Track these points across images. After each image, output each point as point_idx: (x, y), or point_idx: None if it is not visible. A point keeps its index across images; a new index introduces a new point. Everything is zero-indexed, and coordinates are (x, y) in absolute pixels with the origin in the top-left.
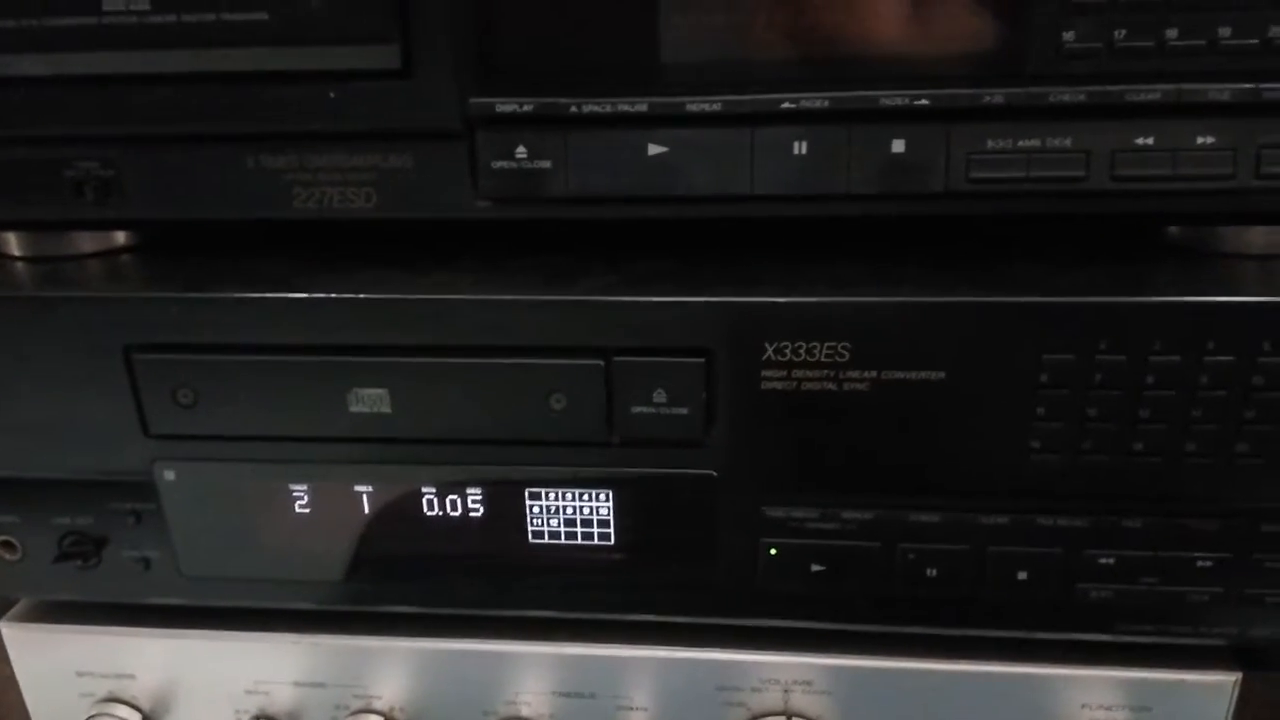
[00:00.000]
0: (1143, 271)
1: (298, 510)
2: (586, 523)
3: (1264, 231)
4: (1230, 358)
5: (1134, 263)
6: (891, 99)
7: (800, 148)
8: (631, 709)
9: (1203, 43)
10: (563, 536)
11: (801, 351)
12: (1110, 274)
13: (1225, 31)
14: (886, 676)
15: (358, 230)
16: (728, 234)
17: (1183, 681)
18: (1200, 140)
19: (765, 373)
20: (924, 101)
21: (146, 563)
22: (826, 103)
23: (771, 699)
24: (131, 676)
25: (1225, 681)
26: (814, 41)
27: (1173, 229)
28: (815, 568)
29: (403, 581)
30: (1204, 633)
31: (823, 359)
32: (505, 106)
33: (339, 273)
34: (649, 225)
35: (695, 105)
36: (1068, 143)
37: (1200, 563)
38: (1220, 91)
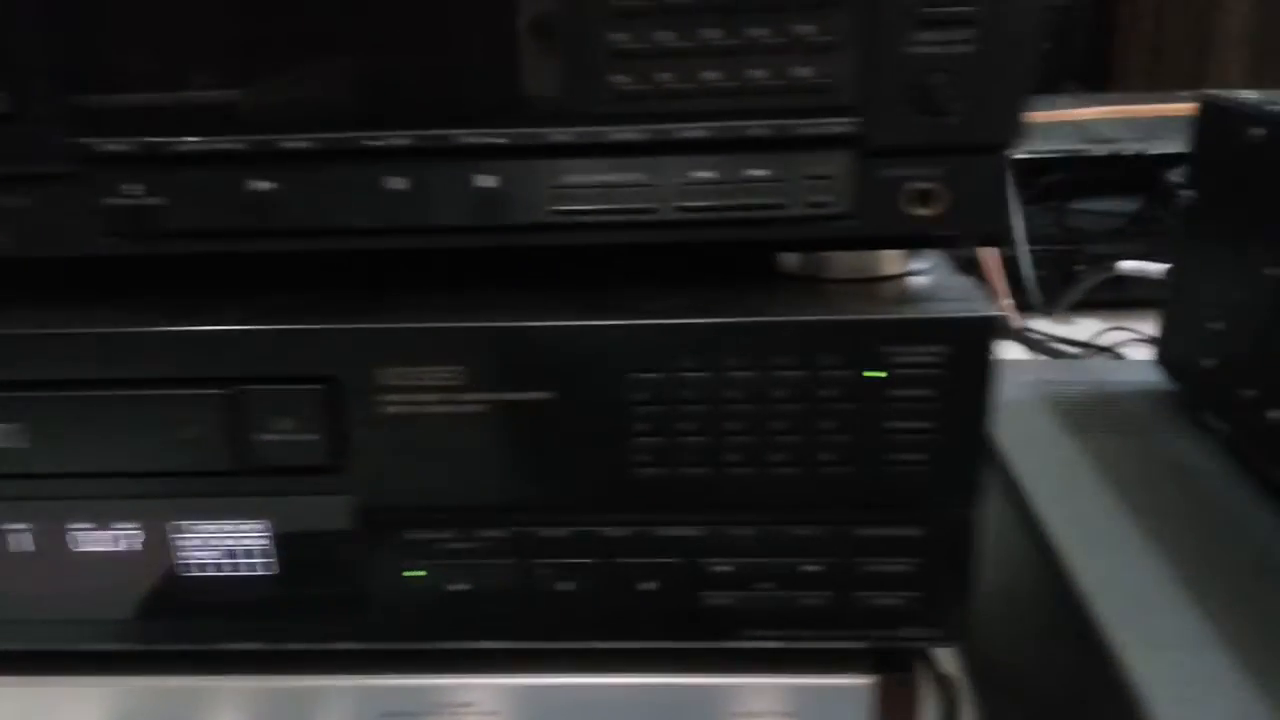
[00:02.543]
0: (732, 295)
1: None
2: (233, 553)
3: (854, 256)
4: (801, 372)
5: (731, 287)
6: (470, 137)
7: (395, 183)
8: None
9: (737, 84)
10: (213, 568)
11: (417, 376)
12: (704, 298)
13: (760, 73)
14: (546, 693)
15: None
16: (381, 263)
17: (823, 686)
18: (752, 173)
19: (387, 397)
20: (502, 140)
21: None
22: (410, 140)
23: None
24: None
25: (863, 685)
26: (400, 83)
27: (783, 256)
28: (457, 587)
29: (68, 621)
30: (826, 636)
31: (438, 383)
32: (112, 146)
33: None
34: (293, 256)
35: (290, 143)
36: (637, 177)
37: (808, 567)
38: (761, 128)
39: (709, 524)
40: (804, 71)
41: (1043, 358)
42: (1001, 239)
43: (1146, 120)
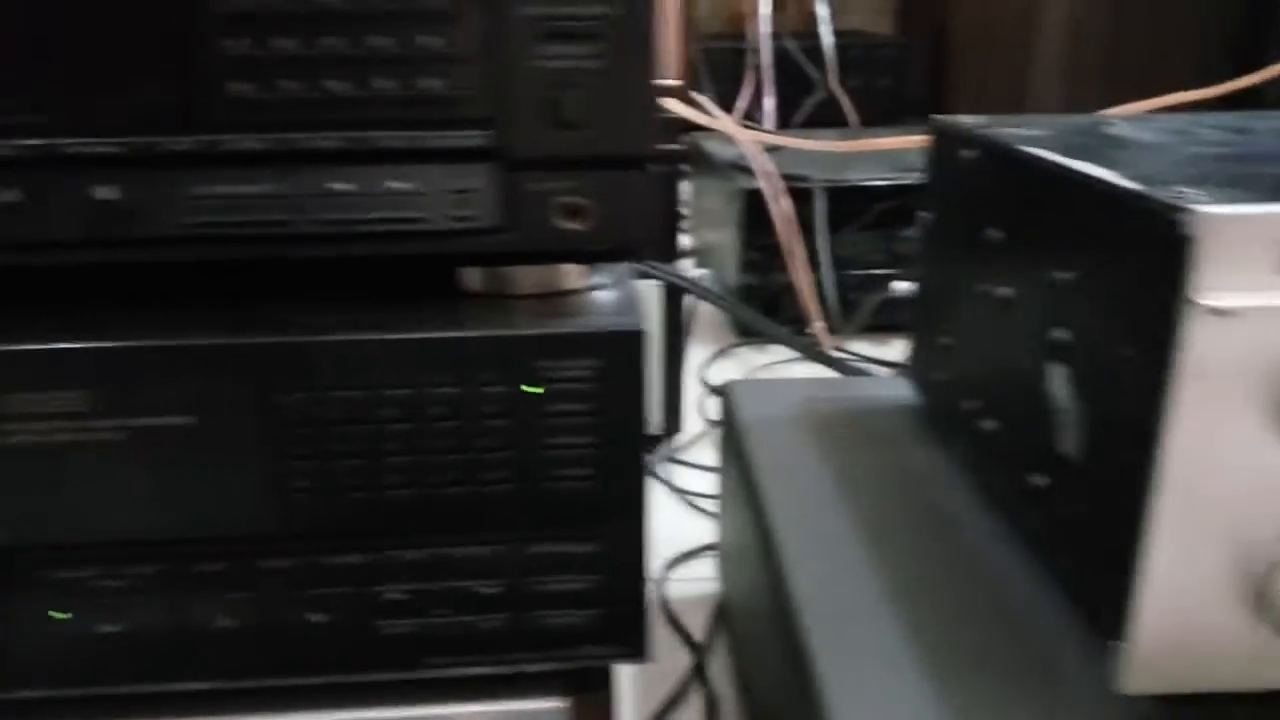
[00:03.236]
0: (392, 311)
1: None
2: None
3: (536, 272)
4: (457, 389)
5: (397, 304)
6: (82, 147)
7: (6, 195)
8: None
9: (366, 94)
10: None
11: (41, 403)
12: (361, 315)
13: (388, 84)
14: None
15: None
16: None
17: (515, 711)
18: (392, 185)
19: (8, 426)
20: (117, 149)
21: None
22: (13, 151)
23: None
24: None
25: (556, 708)
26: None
27: (465, 273)
28: (107, 629)
29: None
30: (508, 660)
31: (64, 409)
32: None
33: None
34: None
35: None
36: (268, 189)
37: (483, 590)
38: (394, 139)
39: (377, 550)
40: (433, 83)
41: (836, 376)
42: (662, 254)
43: None
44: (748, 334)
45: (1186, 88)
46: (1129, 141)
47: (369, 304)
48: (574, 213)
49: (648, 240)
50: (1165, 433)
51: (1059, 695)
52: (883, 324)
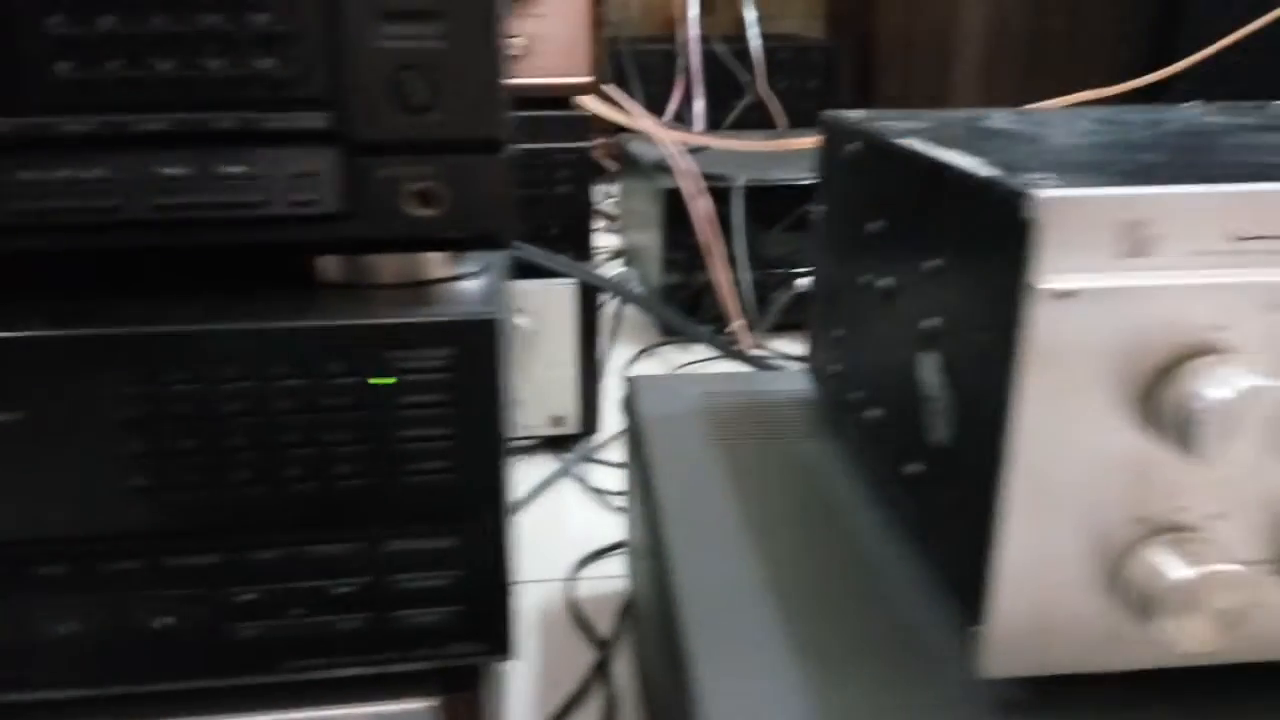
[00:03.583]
0: (235, 302)
1: None
2: None
3: (399, 260)
4: (304, 381)
5: (245, 295)
6: None
7: None
8: None
9: (197, 75)
10: None
11: None
12: (200, 305)
13: (219, 64)
14: None
15: None
16: None
17: (381, 714)
18: (228, 169)
19: None
20: None
21: None
22: None
23: None
24: None
25: (424, 708)
26: None
27: (322, 262)
28: None
29: None
30: (370, 661)
31: None
32: None
33: None
34: None
35: None
36: (98, 173)
37: (341, 589)
38: (227, 120)
39: (228, 550)
40: (267, 64)
41: (746, 371)
42: (506, 242)
43: None
44: (671, 333)
45: (1102, 85)
46: (1003, 133)
47: (217, 294)
48: (424, 198)
49: (503, 227)
50: (1014, 417)
51: (926, 681)
52: (799, 322)
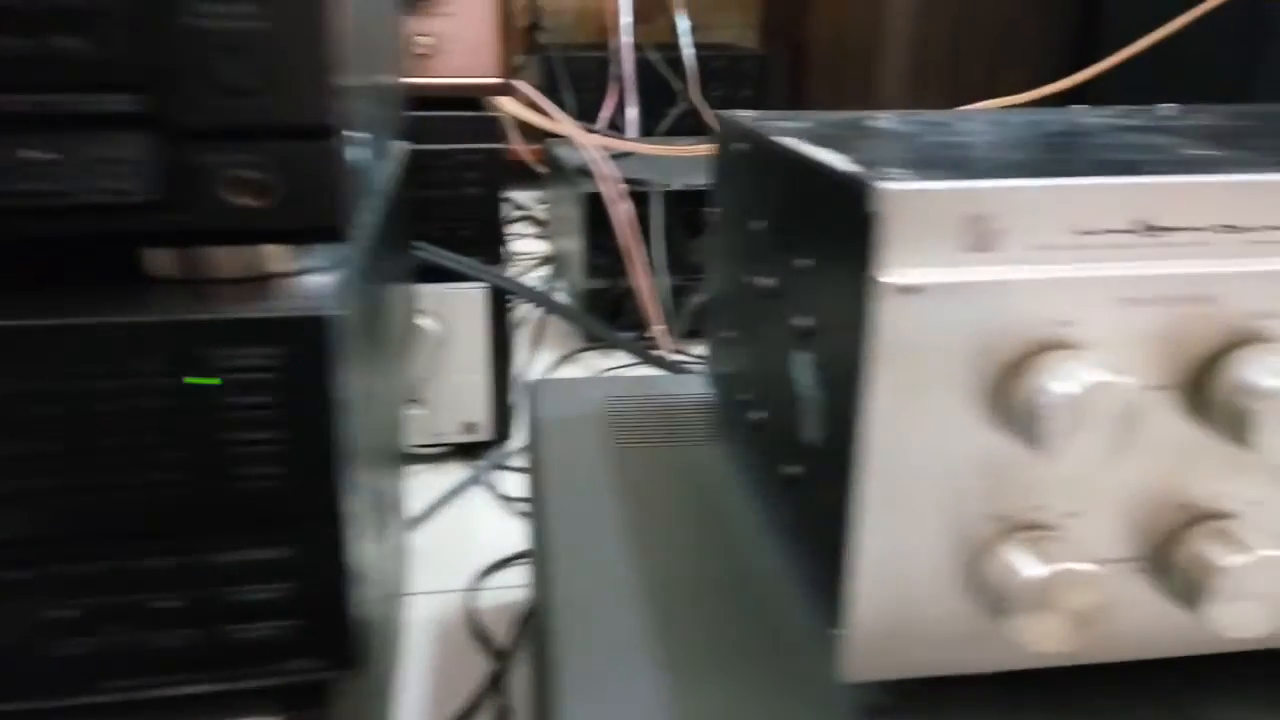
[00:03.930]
0: (42, 298)
1: None
2: None
3: (238, 254)
4: (116, 382)
5: (66, 291)
6: None
7: None
8: None
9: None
10: None
11: None
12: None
13: (14, 41)
14: None
15: None
16: None
17: None
18: (27, 155)
19: None
20: None
21: None
22: None
23: None
24: None
25: None
26: None
27: (150, 255)
28: None
29: None
30: (197, 680)
31: None
32: None
33: None
34: None
35: None
36: None
37: (164, 604)
38: (23, 103)
39: (40, 563)
40: (69, 42)
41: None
42: (344, 235)
43: None
44: (595, 339)
45: (1024, 89)
46: (881, 132)
47: (26, 290)
48: (249, 187)
49: (339, 219)
50: (864, 414)
51: (790, 687)
52: None
